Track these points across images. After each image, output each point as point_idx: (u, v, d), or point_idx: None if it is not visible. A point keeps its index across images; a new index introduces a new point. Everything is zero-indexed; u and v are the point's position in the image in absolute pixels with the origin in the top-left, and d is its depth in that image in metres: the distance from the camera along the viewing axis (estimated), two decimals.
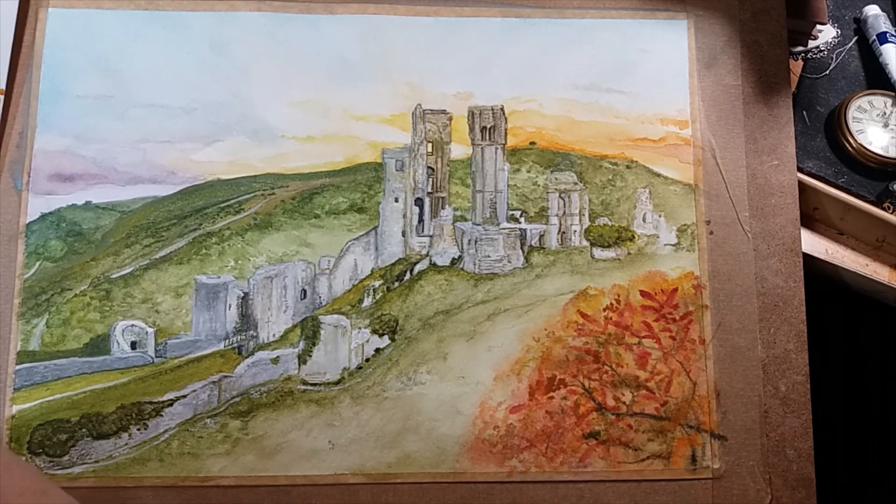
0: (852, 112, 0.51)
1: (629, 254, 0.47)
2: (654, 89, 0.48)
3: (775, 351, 0.46)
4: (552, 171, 0.48)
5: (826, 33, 0.55)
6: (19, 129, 0.46)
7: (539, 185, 0.48)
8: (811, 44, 0.55)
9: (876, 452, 0.55)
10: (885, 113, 0.52)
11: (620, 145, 0.48)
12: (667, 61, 0.49)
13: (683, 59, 0.49)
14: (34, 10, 0.47)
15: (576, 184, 0.48)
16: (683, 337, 0.46)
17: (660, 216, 0.47)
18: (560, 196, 0.47)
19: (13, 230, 0.45)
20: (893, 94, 0.52)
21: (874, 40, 0.54)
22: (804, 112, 0.53)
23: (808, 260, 0.48)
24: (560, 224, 0.47)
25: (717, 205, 0.47)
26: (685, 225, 0.47)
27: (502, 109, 0.48)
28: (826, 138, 0.52)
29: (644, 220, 0.47)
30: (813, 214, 0.51)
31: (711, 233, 0.47)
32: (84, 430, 0.43)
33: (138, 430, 0.43)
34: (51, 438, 0.43)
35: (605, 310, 0.46)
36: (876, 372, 0.56)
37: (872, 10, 0.55)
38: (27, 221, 0.45)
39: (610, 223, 0.47)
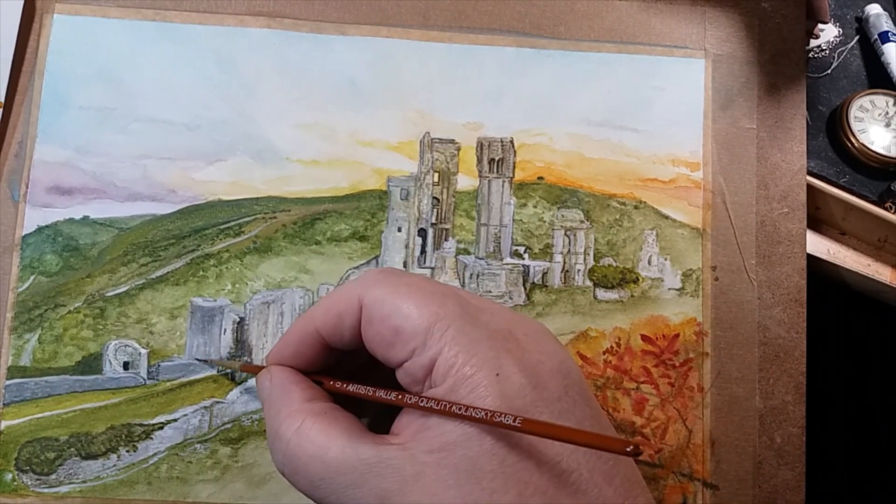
0: (854, 111, 0.51)
1: (632, 296, 0.46)
2: (668, 129, 0.48)
3: (773, 402, 0.45)
4: (559, 208, 0.47)
5: (827, 32, 0.55)
6: (19, 138, 0.45)
7: (545, 222, 0.47)
8: (813, 43, 0.54)
9: (875, 453, 0.54)
10: (887, 112, 0.51)
11: (630, 185, 0.47)
12: (682, 101, 0.48)
13: (699, 98, 0.48)
14: (38, 16, 0.46)
15: (582, 222, 0.47)
16: (682, 384, 0.45)
17: (665, 259, 0.47)
18: (566, 234, 0.47)
19: (8, 242, 0.44)
20: (895, 93, 0.52)
21: (876, 39, 0.54)
22: (806, 112, 0.52)
23: (810, 260, 0.48)
24: (564, 262, 0.46)
25: (724, 251, 0.47)
26: (690, 270, 0.46)
27: (512, 142, 0.47)
28: (828, 138, 0.52)
29: (649, 262, 0.47)
30: (815, 214, 0.51)
31: (717, 279, 0.46)
32: (73, 449, 0.42)
33: (127, 451, 0.43)
34: (39, 456, 0.42)
35: (604, 353, 0.45)
36: (877, 373, 0.56)
37: (874, 10, 0.55)
38: (23, 234, 0.44)
39: (615, 264, 0.47)
